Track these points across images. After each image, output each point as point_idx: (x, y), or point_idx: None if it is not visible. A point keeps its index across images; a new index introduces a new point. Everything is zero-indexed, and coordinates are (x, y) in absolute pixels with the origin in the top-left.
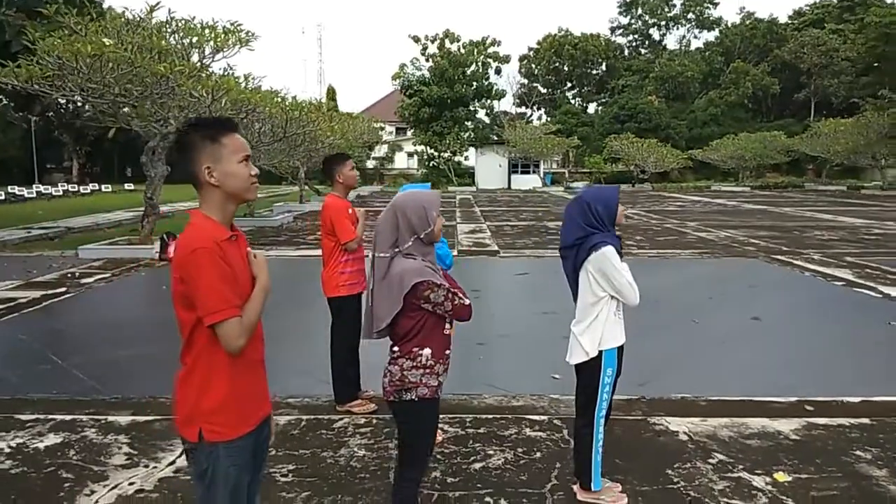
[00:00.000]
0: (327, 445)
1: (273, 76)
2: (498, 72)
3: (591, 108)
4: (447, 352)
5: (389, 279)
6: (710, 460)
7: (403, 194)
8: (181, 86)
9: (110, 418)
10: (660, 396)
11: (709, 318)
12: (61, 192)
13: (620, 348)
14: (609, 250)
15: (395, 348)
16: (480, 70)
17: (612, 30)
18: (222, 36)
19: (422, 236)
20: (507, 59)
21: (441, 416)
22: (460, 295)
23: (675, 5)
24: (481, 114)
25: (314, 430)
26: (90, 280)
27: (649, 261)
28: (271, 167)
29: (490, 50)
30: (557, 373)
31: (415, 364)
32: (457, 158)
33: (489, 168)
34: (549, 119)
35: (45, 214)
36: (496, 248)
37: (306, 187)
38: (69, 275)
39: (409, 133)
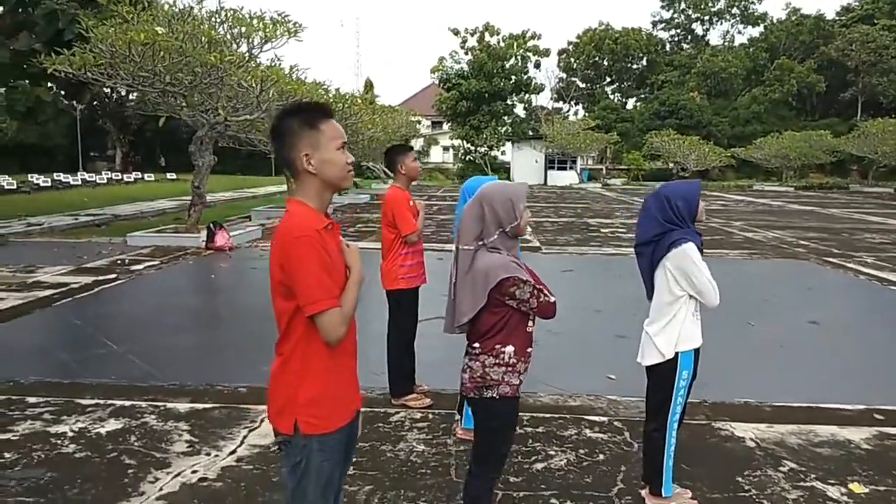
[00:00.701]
0: (385, 439)
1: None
2: (537, 66)
3: (630, 103)
4: (529, 350)
5: (473, 273)
6: (781, 468)
7: (490, 185)
8: (231, 75)
9: (169, 405)
10: (721, 401)
11: (765, 320)
12: (105, 181)
13: (697, 351)
14: (690, 247)
15: (476, 344)
16: (519, 64)
17: (654, 24)
18: (271, 26)
19: (507, 230)
20: (546, 53)
21: None
22: (546, 292)
23: (719, 0)
24: (519, 108)
25: (371, 423)
26: (140, 267)
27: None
28: None
29: (530, 44)
30: (612, 373)
31: (497, 361)
32: (493, 153)
33: (525, 163)
34: (587, 114)
35: (90, 202)
36: (538, 244)
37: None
38: (118, 261)
39: (444, 127)
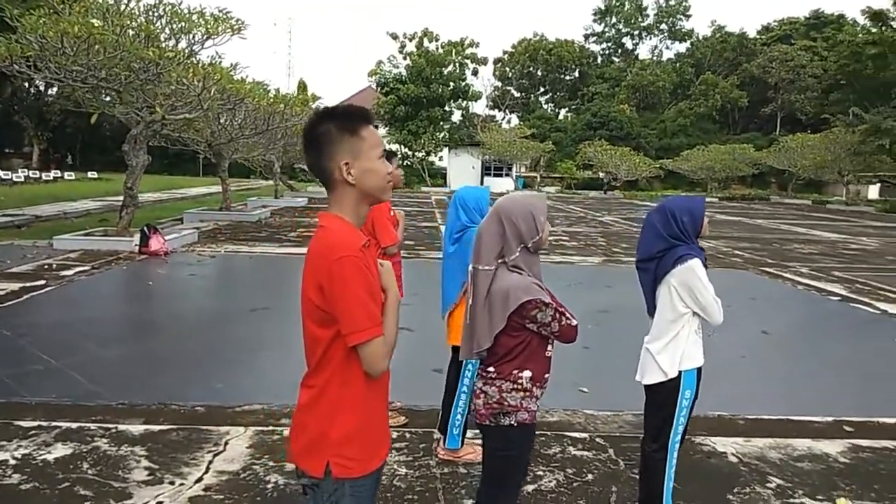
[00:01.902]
0: None
1: (250, 67)
2: (475, 73)
3: (563, 113)
4: (547, 375)
5: (493, 295)
6: (769, 485)
7: (508, 199)
8: (170, 72)
9: (121, 427)
10: (696, 414)
11: (721, 331)
12: (22, 179)
13: (699, 369)
14: (696, 263)
15: (491, 369)
16: (458, 71)
17: (586, 37)
18: (212, 23)
19: (529, 245)
20: (484, 61)
21: (474, 431)
22: (567, 315)
23: (648, 15)
24: (457, 115)
25: None
26: (69, 273)
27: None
28: (244, 160)
29: (468, 51)
30: (582, 385)
31: (515, 387)
32: (431, 158)
33: (462, 169)
34: (521, 123)
35: (7, 201)
36: None
37: (280, 183)
38: (46, 266)
39: (380, 131)
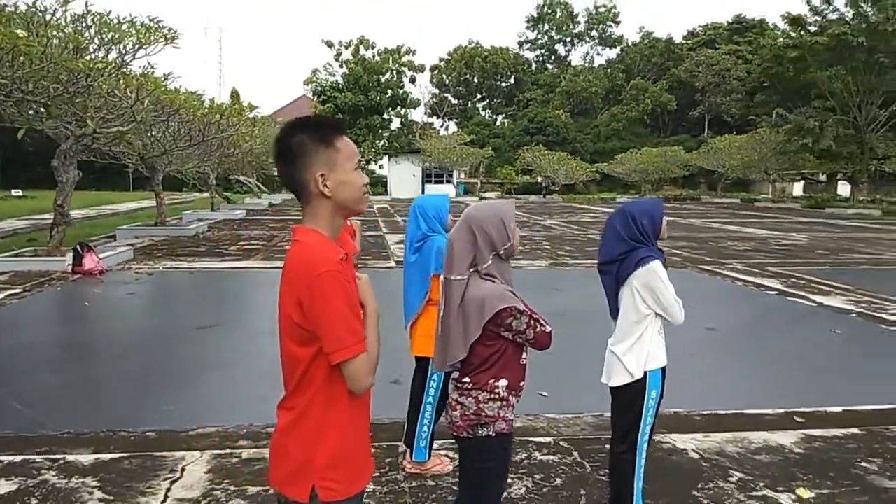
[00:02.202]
0: None
1: (182, 77)
2: (413, 81)
3: (500, 119)
4: (522, 383)
5: (467, 304)
6: (731, 479)
7: (475, 207)
8: (102, 83)
9: (69, 457)
10: None
11: (668, 328)
12: None
13: (663, 369)
14: (657, 265)
15: (467, 379)
16: (395, 78)
17: (521, 44)
18: (144, 32)
19: (501, 252)
20: (421, 69)
21: (439, 442)
22: (542, 322)
23: (579, 22)
24: (396, 122)
25: None
26: (0, 296)
27: (587, 271)
28: (177, 173)
29: (405, 59)
30: (543, 390)
31: (491, 396)
32: (371, 167)
33: (403, 177)
34: (460, 129)
35: None
36: None
37: (216, 195)
38: None
39: None
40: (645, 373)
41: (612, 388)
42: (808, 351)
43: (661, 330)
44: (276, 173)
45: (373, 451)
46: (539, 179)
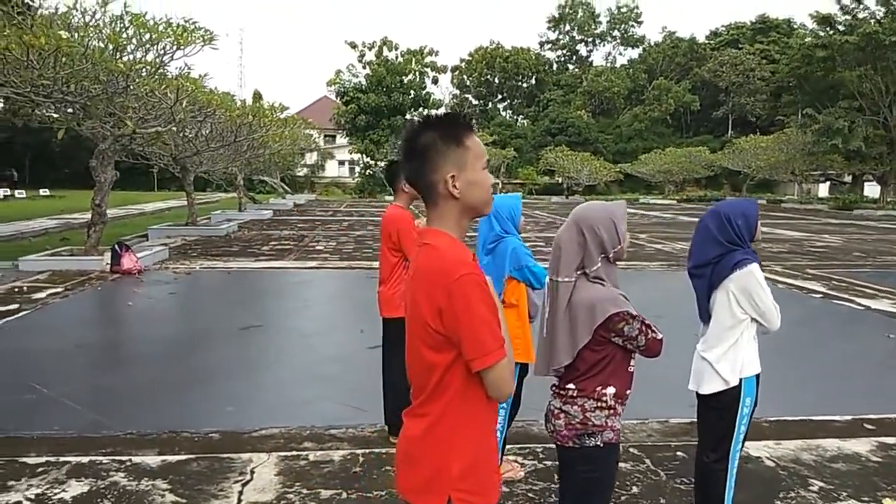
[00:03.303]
0: None
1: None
2: (435, 81)
3: (520, 120)
4: (629, 392)
5: (575, 308)
6: (811, 488)
7: (587, 207)
8: (141, 84)
9: (135, 459)
10: None
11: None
12: None
13: (758, 376)
14: (755, 268)
15: (571, 386)
16: (418, 79)
17: (542, 44)
18: (181, 34)
19: (610, 255)
20: (444, 70)
21: (508, 446)
22: (653, 328)
23: (601, 23)
24: None
25: (377, 467)
26: (42, 295)
27: (622, 273)
28: (203, 173)
29: (427, 59)
30: None
31: (599, 405)
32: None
33: None
34: (482, 131)
35: None
36: None
37: (241, 195)
38: (16, 289)
39: (338, 140)
40: (740, 380)
41: (702, 396)
42: (864, 355)
43: (756, 335)
44: (300, 174)
45: None
46: (560, 180)
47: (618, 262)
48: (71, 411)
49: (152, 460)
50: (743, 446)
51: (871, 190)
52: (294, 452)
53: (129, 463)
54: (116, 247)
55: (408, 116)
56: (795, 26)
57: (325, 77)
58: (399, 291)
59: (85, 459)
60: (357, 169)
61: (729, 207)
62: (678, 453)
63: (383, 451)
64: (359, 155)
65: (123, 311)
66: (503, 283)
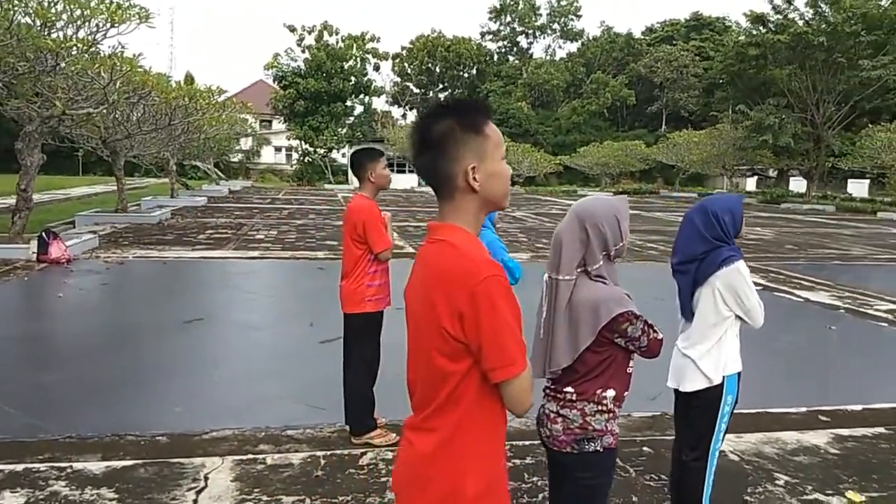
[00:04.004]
0: (368, 490)
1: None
2: (377, 68)
3: None
4: (626, 393)
5: (577, 308)
6: (778, 483)
7: (589, 202)
8: (74, 63)
9: (77, 465)
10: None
11: (670, 326)
12: None
13: (739, 374)
14: (742, 265)
15: (570, 389)
16: (359, 65)
17: (483, 35)
18: (116, 11)
19: (612, 252)
20: (386, 56)
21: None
22: (655, 328)
23: (541, 15)
24: (359, 110)
25: (340, 469)
26: None
27: None
28: (133, 157)
29: (369, 46)
30: None
31: (599, 408)
32: (333, 155)
33: None
34: None
35: None
36: (411, 249)
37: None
38: None
39: (275, 125)
40: (723, 378)
41: (683, 393)
42: (809, 347)
43: (738, 333)
44: (234, 159)
45: None
46: None
47: (615, 259)
48: (1, 414)
49: (95, 467)
50: (721, 444)
51: (796, 184)
52: (250, 456)
53: (69, 470)
54: (44, 234)
55: (348, 103)
56: (729, 24)
57: (260, 60)
58: (363, 286)
59: (20, 467)
60: (295, 156)
61: (715, 203)
62: (644, 448)
63: (345, 452)
64: (297, 141)
65: (54, 303)
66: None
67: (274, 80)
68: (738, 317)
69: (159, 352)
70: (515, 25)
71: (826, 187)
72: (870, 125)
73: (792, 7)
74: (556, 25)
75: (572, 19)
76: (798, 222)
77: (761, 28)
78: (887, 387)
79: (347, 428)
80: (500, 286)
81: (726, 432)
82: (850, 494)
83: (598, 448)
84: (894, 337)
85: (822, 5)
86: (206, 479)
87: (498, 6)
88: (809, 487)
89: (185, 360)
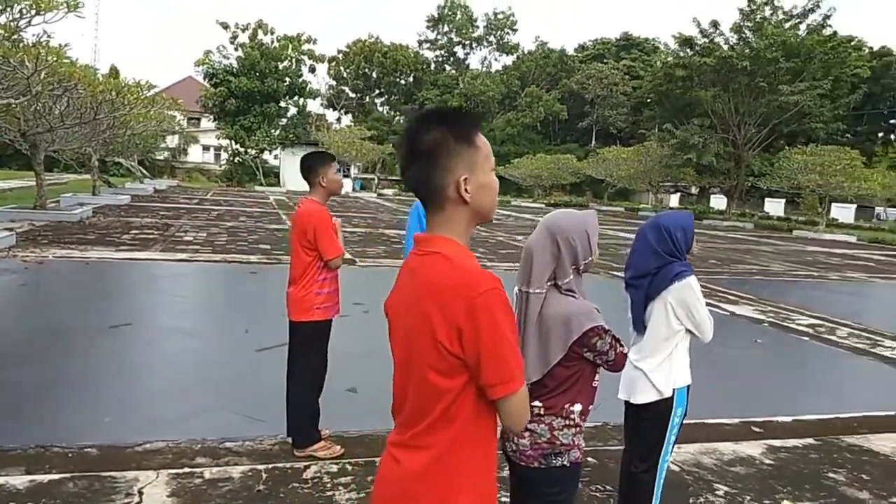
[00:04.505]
0: None
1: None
2: (312, 70)
3: (398, 117)
4: (591, 408)
5: (548, 322)
6: (718, 493)
7: (561, 216)
8: None
9: None
10: (616, 423)
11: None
12: None
13: (688, 387)
14: (694, 280)
15: (538, 403)
16: (294, 66)
17: (420, 43)
18: None
19: (581, 266)
20: (322, 59)
21: None
22: (621, 342)
23: (478, 27)
24: (293, 112)
25: (283, 483)
26: None
27: (509, 275)
28: (53, 152)
29: (305, 47)
30: None
31: (567, 423)
32: (265, 156)
33: (298, 169)
34: (358, 124)
35: None
36: (349, 256)
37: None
38: None
39: (203, 124)
40: (673, 390)
41: (633, 406)
42: (739, 359)
43: (689, 347)
44: (160, 157)
45: (349, 467)
46: None
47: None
48: None
49: (19, 481)
50: (671, 456)
51: (717, 201)
52: (186, 469)
53: None
54: None
55: (282, 104)
56: (657, 45)
57: (190, 56)
58: (311, 293)
59: None
60: (224, 155)
61: (669, 220)
62: (589, 458)
63: (288, 465)
64: (227, 141)
65: None
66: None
67: (204, 78)
68: (688, 330)
69: (85, 358)
70: (453, 36)
71: (745, 205)
72: (787, 147)
73: (718, 31)
74: (492, 38)
75: (508, 33)
76: (720, 238)
77: (689, 50)
78: (813, 398)
79: (290, 440)
80: (500, 299)
81: (674, 444)
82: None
83: (566, 463)
84: (817, 350)
85: (746, 31)
86: (140, 493)
87: (436, 15)
88: (748, 498)
89: (113, 367)
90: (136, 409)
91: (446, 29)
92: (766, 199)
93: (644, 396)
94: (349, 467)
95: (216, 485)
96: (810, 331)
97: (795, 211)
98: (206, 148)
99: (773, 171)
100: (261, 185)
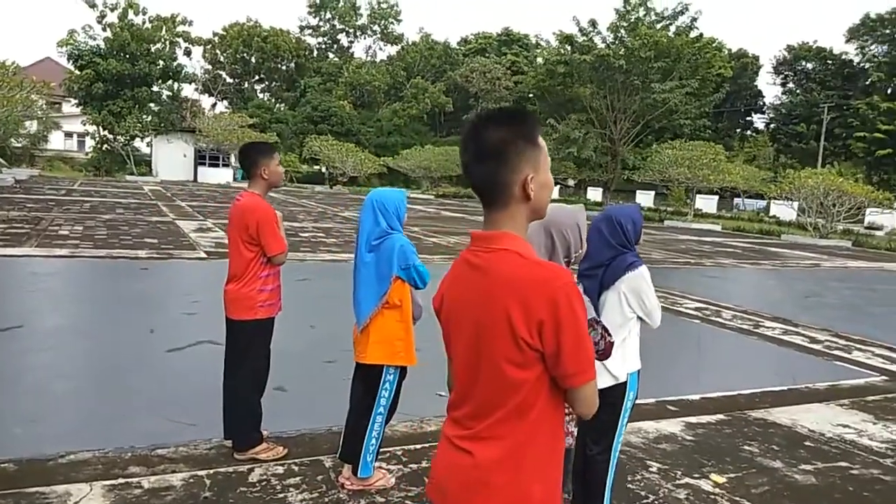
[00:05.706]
0: None
1: None
2: (188, 53)
3: (280, 105)
4: None
5: None
6: (651, 469)
7: (556, 210)
8: None
9: None
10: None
11: None
12: None
13: (639, 371)
14: (645, 270)
15: None
16: (168, 49)
17: (302, 28)
18: None
19: (572, 258)
20: (198, 42)
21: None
22: (609, 331)
23: (362, 15)
24: (166, 96)
25: (230, 489)
26: None
27: None
28: None
29: (179, 29)
30: (440, 390)
31: None
32: (136, 143)
33: (172, 157)
34: (237, 111)
35: None
36: None
37: None
38: None
39: (66, 109)
40: (627, 375)
41: None
42: (641, 342)
43: (638, 333)
44: (17, 144)
45: (295, 468)
46: (324, 169)
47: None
48: None
49: None
50: (622, 437)
51: (593, 194)
52: (122, 480)
53: None
54: None
55: (154, 88)
56: (537, 42)
57: (48, 36)
58: (254, 291)
59: None
60: (90, 143)
61: (619, 212)
62: None
63: (230, 469)
64: (94, 127)
65: None
66: (389, 283)
67: (68, 59)
68: (639, 318)
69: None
70: (336, 23)
71: (619, 197)
72: (656, 142)
73: (596, 31)
74: (376, 27)
75: (392, 23)
76: None
77: (569, 48)
78: (712, 377)
79: (228, 443)
80: (576, 292)
81: (626, 426)
82: (714, 477)
83: None
84: (707, 332)
85: (622, 31)
86: None
87: (317, 1)
88: (679, 472)
89: (13, 373)
90: (47, 418)
91: (329, 16)
92: (638, 192)
93: (600, 382)
94: (295, 468)
95: (158, 494)
96: (699, 314)
97: (664, 202)
98: (68, 135)
99: (646, 164)
100: (132, 174)
